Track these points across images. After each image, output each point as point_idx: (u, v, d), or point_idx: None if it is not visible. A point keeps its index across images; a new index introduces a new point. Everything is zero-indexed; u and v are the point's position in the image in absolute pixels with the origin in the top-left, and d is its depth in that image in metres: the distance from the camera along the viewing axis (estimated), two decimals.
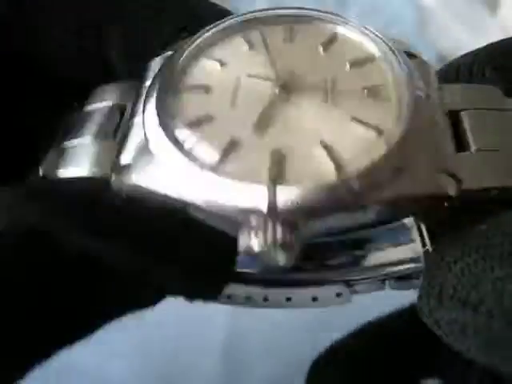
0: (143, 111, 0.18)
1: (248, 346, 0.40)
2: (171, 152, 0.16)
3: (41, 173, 0.19)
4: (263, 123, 0.17)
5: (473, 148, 0.17)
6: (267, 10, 0.22)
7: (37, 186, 0.17)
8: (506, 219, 0.14)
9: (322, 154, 0.16)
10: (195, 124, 0.17)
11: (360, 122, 0.17)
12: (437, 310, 0.13)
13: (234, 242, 0.17)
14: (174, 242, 0.16)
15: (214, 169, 0.16)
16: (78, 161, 0.18)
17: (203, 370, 0.39)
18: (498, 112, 0.18)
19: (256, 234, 0.14)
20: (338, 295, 0.20)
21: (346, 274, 0.19)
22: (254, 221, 0.15)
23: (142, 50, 0.21)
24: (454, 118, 0.18)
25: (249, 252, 0.15)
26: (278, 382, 0.38)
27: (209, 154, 0.16)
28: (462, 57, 0.21)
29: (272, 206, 0.15)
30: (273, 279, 0.19)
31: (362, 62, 0.19)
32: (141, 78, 0.20)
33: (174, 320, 0.39)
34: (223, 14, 0.22)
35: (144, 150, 0.17)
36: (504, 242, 0.13)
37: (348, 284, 0.20)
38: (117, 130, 0.19)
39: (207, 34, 0.20)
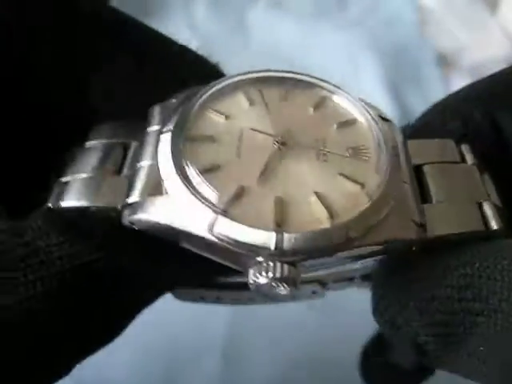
0: (156, 157, 0.20)
1: (248, 346, 0.40)
2: (186, 194, 0.18)
3: (49, 205, 0.20)
4: (266, 174, 0.20)
5: (434, 200, 0.21)
6: (266, 70, 0.25)
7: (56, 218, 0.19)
8: (438, 255, 0.19)
9: (316, 202, 0.19)
10: (206, 171, 0.19)
11: (346, 177, 0.20)
12: (381, 324, 0.19)
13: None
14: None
15: (227, 212, 0.18)
16: (86, 193, 0.20)
17: (203, 369, 0.39)
18: (450, 165, 0.22)
19: (264, 270, 0.17)
20: (314, 292, 0.24)
21: (319, 277, 0.24)
22: (261, 258, 0.18)
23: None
24: (418, 171, 0.22)
25: (256, 284, 0.18)
26: (277, 381, 0.38)
27: (220, 198, 0.19)
28: (429, 110, 0.26)
29: (279, 247, 0.17)
30: None
31: (347, 124, 0.22)
32: (139, 121, 0.22)
33: (174, 320, 0.39)
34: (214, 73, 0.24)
35: (157, 190, 0.19)
36: (428, 278, 0.18)
37: (321, 284, 0.24)
38: (121, 167, 0.21)
39: (213, 89, 0.23)
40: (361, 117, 0.22)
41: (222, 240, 0.18)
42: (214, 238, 0.18)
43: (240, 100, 0.23)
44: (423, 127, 0.24)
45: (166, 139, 0.20)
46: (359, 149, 0.21)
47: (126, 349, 0.38)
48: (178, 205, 0.19)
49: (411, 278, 0.19)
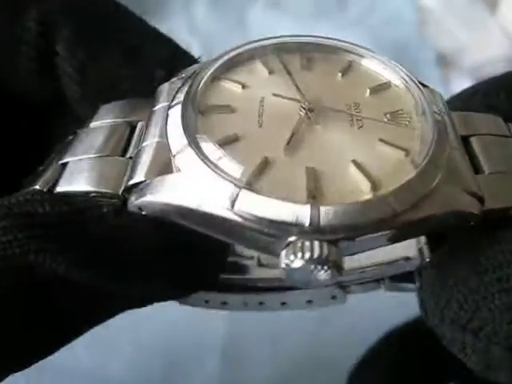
0: (166, 132, 0.17)
1: (248, 346, 0.40)
2: (203, 169, 0.16)
3: (38, 187, 0.17)
4: (294, 143, 0.17)
5: (486, 171, 0.18)
6: (285, 36, 0.22)
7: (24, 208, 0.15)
8: (506, 236, 0.15)
9: (355, 172, 0.16)
10: (224, 143, 0.17)
11: (387, 143, 0.17)
12: (439, 327, 0.14)
13: (223, 252, 0.17)
14: (161, 258, 0.16)
15: (251, 186, 0.16)
16: (83, 177, 0.17)
17: (203, 369, 0.39)
18: (501, 138, 0.19)
19: (299, 250, 0.15)
20: (333, 297, 0.20)
21: (341, 281, 0.20)
22: (295, 237, 0.15)
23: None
24: (465, 142, 0.19)
25: (290, 269, 0.15)
26: (277, 381, 0.38)
27: (242, 171, 0.16)
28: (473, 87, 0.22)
29: (315, 223, 0.15)
30: (267, 286, 0.20)
31: (380, 88, 0.20)
32: (147, 99, 0.19)
33: (174, 321, 0.39)
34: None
35: (167, 168, 0.17)
36: (504, 264, 0.13)
37: (342, 286, 0.20)
38: (126, 148, 0.18)
39: (226, 58, 0.21)
40: (397, 80, 0.20)
41: (246, 219, 0.15)
42: (236, 217, 0.15)
43: (258, 69, 0.21)
44: (459, 105, 0.21)
45: (175, 112, 0.18)
46: (398, 113, 0.19)
47: (125, 348, 0.38)
48: (194, 182, 0.16)
49: (481, 267, 0.14)
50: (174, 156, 0.17)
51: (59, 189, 0.17)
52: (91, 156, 0.18)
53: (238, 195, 0.15)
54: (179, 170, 0.16)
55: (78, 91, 0.17)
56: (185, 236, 0.16)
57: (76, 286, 0.15)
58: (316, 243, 0.14)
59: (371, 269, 0.19)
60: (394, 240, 0.16)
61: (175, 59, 0.20)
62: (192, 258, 0.17)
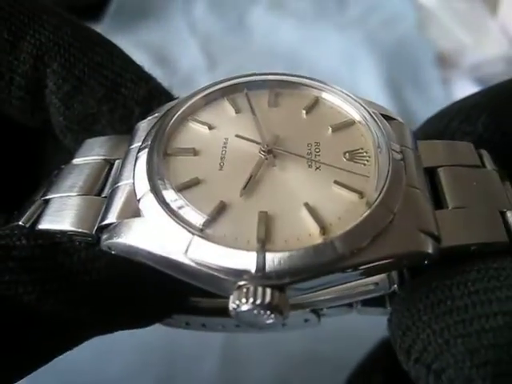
0: (133, 175, 0.18)
1: (247, 346, 0.40)
2: (162, 216, 0.17)
3: (21, 222, 0.18)
4: (251, 186, 0.18)
5: (450, 205, 0.18)
6: (252, 74, 0.23)
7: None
8: (471, 277, 0.15)
9: (306, 216, 0.17)
10: (184, 187, 0.18)
11: (342, 185, 0.18)
12: (405, 364, 0.14)
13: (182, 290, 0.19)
14: (126, 298, 0.17)
15: (204, 233, 0.16)
16: (63, 215, 0.18)
17: (203, 368, 0.39)
18: (470, 169, 0.19)
19: (244, 295, 0.15)
20: (306, 321, 0.21)
21: (313, 305, 0.20)
22: (243, 282, 0.16)
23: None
24: (431, 174, 0.19)
25: (238, 311, 0.16)
26: (277, 381, 0.38)
27: (198, 217, 0.17)
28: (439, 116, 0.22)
29: (261, 269, 0.15)
30: None
31: (343, 126, 0.20)
32: (128, 136, 0.20)
33: None
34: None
35: (134, 211, 0.18)
36: (468, 306, 0.13)
37: (314, 311, 0.21)
38: (103, 187, 0.20)
39: (195, 98, 0.21)
40: (359, 117, 0.20)
41: (198, 264, 0.16)
42: (190, 262, 0.16)
43: (226, 108, 0.21)
44: (433, 131, 0.21)
45: (143, 156, 0.19)
46: (358, 152, 0.19)
47: (125, 348, 0.38)
48: (154, 227, 0.17)
49: (446, 308, 0.14)
50: (138, 200, 0.18)
51: (41, 226, 0.18)
52: (71, 194, 0.19)
53: (191, 242, 0.16)
54: (143, 214, 0.18)
55: (61, 122, 0.19)
56: (149, 271, 0.17)
57: (45, 316, 0.16)
58: (260, 289, 0.15)
59: (341, 293, 0.20)
60: (348, 281, 0.16)
61: (153, 97, 0.20)
62: (155, 289, 0.18)
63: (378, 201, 0.17)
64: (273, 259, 0.15)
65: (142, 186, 0.18)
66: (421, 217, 0.17)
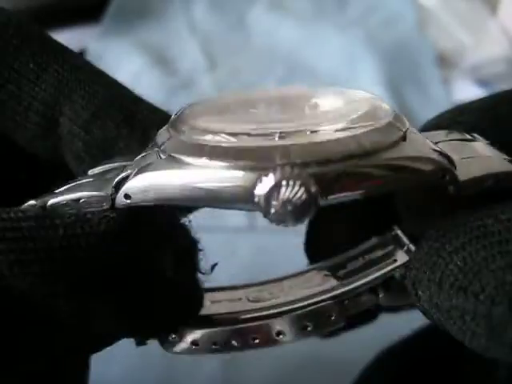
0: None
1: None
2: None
3: (33, 201, 0.17)
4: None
5: (455, 158, 0.17)
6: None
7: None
8: (501, 206, 0.14)
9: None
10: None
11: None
12: (437, 296, 0.14)
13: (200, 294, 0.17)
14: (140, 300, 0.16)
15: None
16: (75, 189, 0.16)
17: (203, 369, 0.39)
18: (465, 142, 0.18)
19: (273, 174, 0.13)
20: (329, 316, 0.18)
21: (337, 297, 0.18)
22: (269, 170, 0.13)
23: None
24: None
25: (265, 194, 0.13)
26: (277, 382, 0.38)
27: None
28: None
29: (287, 157, 0.13)
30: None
31: None
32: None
33: None
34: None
35: (150, 157, 0.16)
36: (501, 230, 0.13)
37: (337, 302, 0.18)
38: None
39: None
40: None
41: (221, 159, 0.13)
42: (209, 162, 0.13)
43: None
44: (429, 126, 0.21)
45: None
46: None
47: (125, 348, 0.38)
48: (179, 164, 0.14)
49: (480, 232, 0.13)
50: (160, 147, 0.16)
51: (51, 201, 0.16)
52: (85, 181, 0.17)
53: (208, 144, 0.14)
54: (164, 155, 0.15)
55: (80, 147, 0.19)
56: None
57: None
58: (287, 167, 0.13)
59: (363, 277, 0.18)
60: (368, 190, 0.14)
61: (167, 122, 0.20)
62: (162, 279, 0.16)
63: (393, 115, 0.15)
64: (298, 145, 0.13)
65: (164, 134, 0.16)
66: (431, 143, 0.16)
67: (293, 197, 0.13)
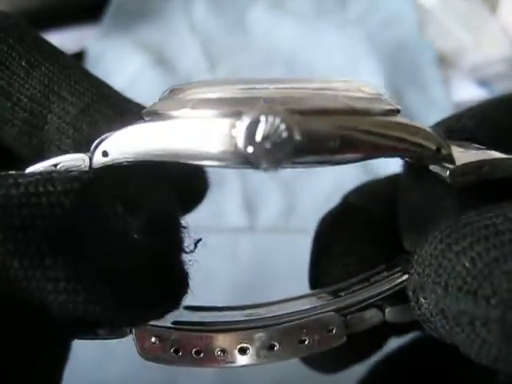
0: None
1: None
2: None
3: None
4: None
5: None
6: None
7: None
8: (508, 205, 0.13)
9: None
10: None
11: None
12: (443, 300, 0.13)
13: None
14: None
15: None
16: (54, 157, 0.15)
17: (203, 371, 0.39)
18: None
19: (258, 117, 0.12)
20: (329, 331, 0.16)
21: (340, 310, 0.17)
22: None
23: None
24: None
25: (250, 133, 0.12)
26: (277, 382, 0.38)
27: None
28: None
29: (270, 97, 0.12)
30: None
31: None
32: None
33: None
34: None
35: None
36: (496, 220, 0.12)
37: (341, 315, 0.17)
38: None
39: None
40: None
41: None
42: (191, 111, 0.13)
43: None
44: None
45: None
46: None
47: (124, 349, 0.38)
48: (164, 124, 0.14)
49: (488, 232, 0.13)
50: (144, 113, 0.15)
51: (28, 169, 0.15)
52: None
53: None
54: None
55: (69, 144, 0.19)
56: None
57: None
58: (267, 106, 0.12)
59: (367, 294, 0.17)
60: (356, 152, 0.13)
61: None
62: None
63: (381, 95, 0.14)
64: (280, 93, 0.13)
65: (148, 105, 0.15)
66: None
67: (272, 134, 0.12)
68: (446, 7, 0.70)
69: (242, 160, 0.12)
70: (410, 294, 0.14)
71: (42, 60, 0.19)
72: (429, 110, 0.57)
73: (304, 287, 0.21)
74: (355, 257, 0.18)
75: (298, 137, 0.12)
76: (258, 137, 0.12)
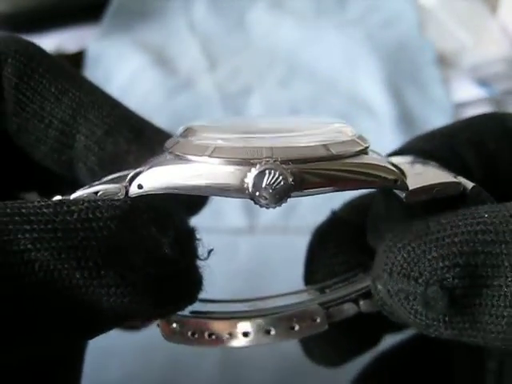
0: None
1: (246, 350, 0.40)
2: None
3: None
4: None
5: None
6: None
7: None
8: (445, 214, 0.18)
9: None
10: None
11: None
12: (389, 282, 0.17)
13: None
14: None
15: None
16: (94, 186, 0.18)
17: (202, 371, 0.39)
18: (419, 163, 0.21)
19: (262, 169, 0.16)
20: (314, 320, 0.20)
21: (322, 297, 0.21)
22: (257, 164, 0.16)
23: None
24: None
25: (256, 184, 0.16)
26: (277, 383, 0.38)
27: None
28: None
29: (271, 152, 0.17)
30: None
31: None
32: None
33: None
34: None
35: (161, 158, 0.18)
36: (440, 230, 0.17)
37: (322, 305, 0.21)
38: None
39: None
40: None
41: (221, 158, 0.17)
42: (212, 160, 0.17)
43: None
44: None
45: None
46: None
47: (124, 349, 0.38)
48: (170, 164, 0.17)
49: (422, 231, 0.17)
50: (168, 150, 0.18)
51: (73, 195, 0.18)
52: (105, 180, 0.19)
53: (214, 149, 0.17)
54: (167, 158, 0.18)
55: (94, 161, 0.22)
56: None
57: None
58: (270, 161, 0.16)
59: (344, 291, 0.21)
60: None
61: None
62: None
63: (353, 138, 0.19)
64: (281, 149, 0.17)
65: (171, 142, 0.19)
66: (387, 158, 0.20)
67: (273, 182, 0.16)
68: (446, 7, 0.70)
69: (249, 197, 0.16)
70: (371, 284, 0.18)
71: (69, 86, 0.22)
72: (429, 109, 0.57)
73: (301, 285, 0.22)
74: (339, 260, 0.22)
75: (291, 182, 0.16)
76: (264, 184, 0.16)
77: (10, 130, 0.22)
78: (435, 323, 0.17)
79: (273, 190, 0.16)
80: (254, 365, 0.38)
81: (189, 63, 0.65)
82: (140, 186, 0.17)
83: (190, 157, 0.17)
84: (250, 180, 0.16)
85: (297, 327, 0.20)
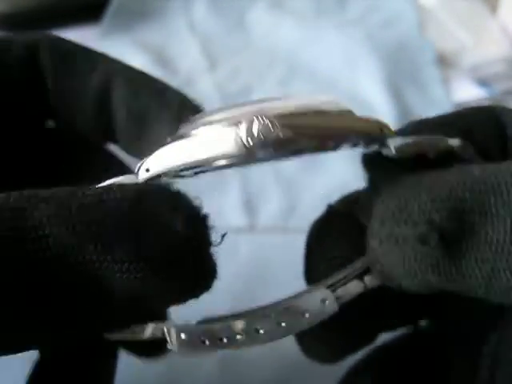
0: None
1: (246, 349, 0.40)
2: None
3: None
4: None
5: None
6: None
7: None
8: (435, 170, 0.18)
9: None
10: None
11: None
12: (380, 230, 0.18)
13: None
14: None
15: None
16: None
17: (202, 371, 0.39)
18: None
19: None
20: (323, 301, 0.20)
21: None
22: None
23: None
24: None
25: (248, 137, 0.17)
26: (276, 382, 0.38)
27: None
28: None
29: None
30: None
31: None
32: None
33: (173, 320, 0.38)
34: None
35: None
36: (431, 181, 0.17)
37: (331, 287, 0.20)
38: None
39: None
40: None
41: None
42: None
43: None
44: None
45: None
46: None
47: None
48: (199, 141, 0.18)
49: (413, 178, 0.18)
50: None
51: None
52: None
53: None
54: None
55: (123, 122, 0.24)
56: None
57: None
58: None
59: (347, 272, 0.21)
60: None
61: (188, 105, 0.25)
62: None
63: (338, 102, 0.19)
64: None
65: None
66: None
67: (264, 131, 0.17)
68: (446, 7, 0.70)
69: (246, 152, 0.17)
70: (367, 242, 0.19)
71: (98, 63, 0.24)
72: (429, 109, 0.57)
73: (303, 286, 0.22)
74: (338, 253, 0.22)
75: (280, 131, 0.17)
76: (255, 133, 0.17)
77: (53, 104, 0.24)
78: (423, 268, 0.17)
79: (265, 136, 0.17)
80: (254, 364, 0.38)
81: (189, 63, 0.65)
82: (147, 170, 0.18)
83: (189, 132, 0.18)
84: (242, 132, 0.17)
85: (307, 314, 0.20)
